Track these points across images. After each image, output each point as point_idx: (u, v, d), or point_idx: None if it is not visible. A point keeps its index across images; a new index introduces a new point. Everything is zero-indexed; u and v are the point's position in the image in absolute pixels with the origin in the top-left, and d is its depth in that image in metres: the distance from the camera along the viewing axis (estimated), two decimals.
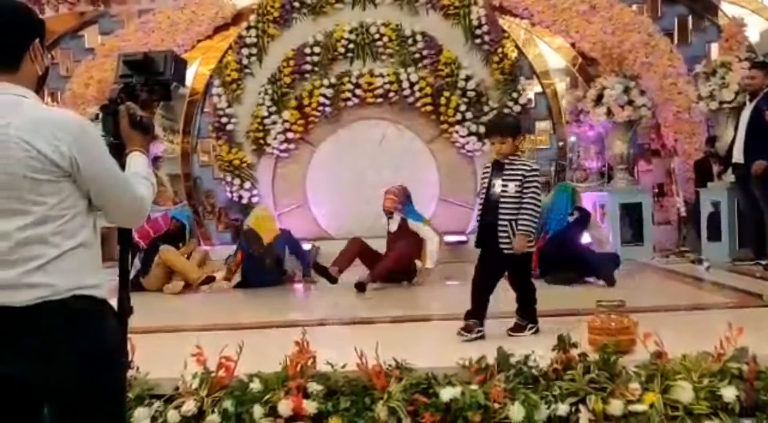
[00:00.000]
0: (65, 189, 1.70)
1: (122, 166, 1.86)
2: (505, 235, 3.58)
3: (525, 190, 3.58)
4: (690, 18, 8.66)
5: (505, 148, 3.64)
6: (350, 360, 2.91)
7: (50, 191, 1.67)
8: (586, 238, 6.27)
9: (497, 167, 3.69)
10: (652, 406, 2.69)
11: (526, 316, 3.75)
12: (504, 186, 3.60)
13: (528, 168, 3.63)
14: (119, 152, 1.89)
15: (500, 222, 3.59)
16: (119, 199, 1.78)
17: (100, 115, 1.98)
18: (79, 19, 8.88)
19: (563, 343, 2.89)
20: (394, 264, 6.01)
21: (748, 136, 6.29)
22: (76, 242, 1.71)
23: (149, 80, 2.00)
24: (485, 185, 3.69)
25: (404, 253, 6.06)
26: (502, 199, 3.60)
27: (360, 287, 5.80)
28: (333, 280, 5.98)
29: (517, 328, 3.70)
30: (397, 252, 6.08)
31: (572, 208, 6.21)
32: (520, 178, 3.59)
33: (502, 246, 3.60)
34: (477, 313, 3.68)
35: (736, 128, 6.55)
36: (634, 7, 8.47)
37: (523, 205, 3.58)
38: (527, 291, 3.76)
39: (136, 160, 1.91)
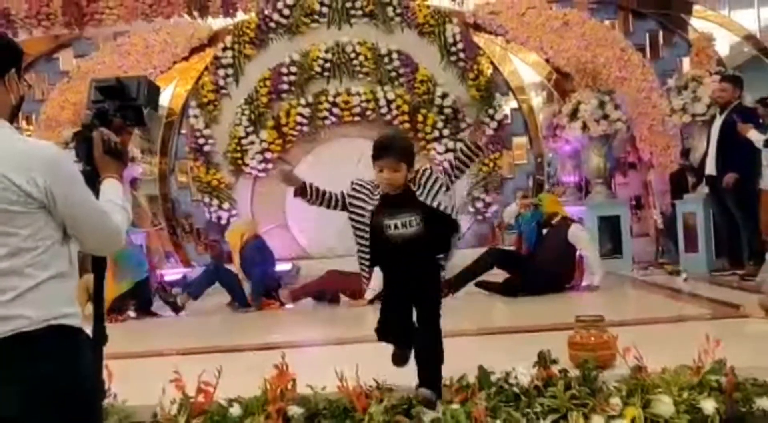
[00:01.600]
0: (40, 220, 1.68)
1: (96, 193, 1.84)
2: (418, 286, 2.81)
3: (432, 226, 2.77)
4: (661, 33, 8.80)
5: (399, 178, 2.74)
6: (330, 382, 2.89)
7: (24, 223, 1.66)
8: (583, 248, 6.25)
9: (388, 204, 2.80)
10: (633, 420, 2.69)
11: (433, 383, 2.80)
12: (404, 227, 2.73)
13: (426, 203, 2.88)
14: (92, 179, 1.87)
15: (411, 274, 2.78)
16: (95, 229, 1.76)
17: (72, 142, 1.97)
18: (53, 42, 8.82)
19: (544, 360, 2.90)
20: (317, 288, 6.32)
21: (720, 148, 6.39)
22: (51, 273, 1.70)
23: (122, 106, 1.98)
24: (380, 226, 2.78)
25: (331, 281, 6.27)
26: (405, 244, 2.74)
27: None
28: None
29: (428, 404, 2.74)
30: (325, 279, 6.33)
31: (540, 217, 6.28)
32: (418, 214, 2.75)
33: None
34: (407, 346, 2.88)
35: (707, 141, 6.65)
36: (607, 22, 8.60)
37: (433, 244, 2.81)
38: (435, 344, 2.83)
39: (111, 188, 1.89)
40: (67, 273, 1.75)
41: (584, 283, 6.22)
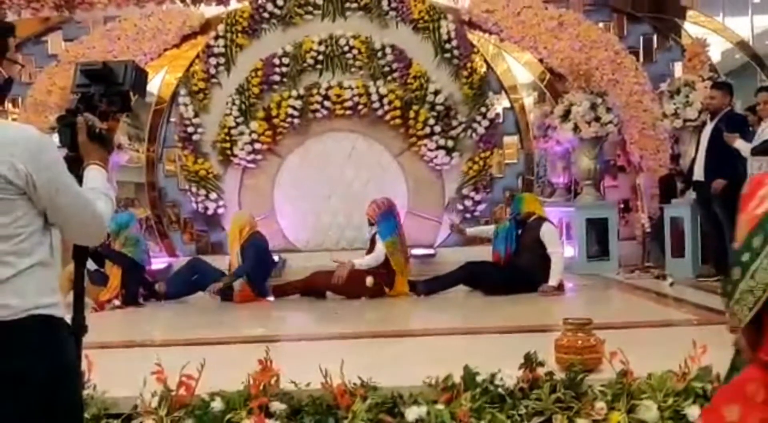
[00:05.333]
0: (20, 207, 1.64)
1: (79, 180, 1.79)
2: None
3: None
4: (654, 37, 8.80)
5: None
6: (314, 378, 2.85)
7: (4, 209, 1.62)
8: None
9: None
10: None
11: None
12: None
13: None
14: (76, 165, 1.82)
15: None
16: (77, 217, 1.72)
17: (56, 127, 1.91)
18: (42, 25, 8.69)
19: (530, 362, 2.88)
20: (302, 287, 6.27)
21: (709, 154, 6.39)
22: (33, 261, 1.66)
23: (108, 91, 1.93)
24: None
25: (316, 281, 6.21)
26: None
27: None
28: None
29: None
30: (310, 279, 6.25)
31: (516, 213, 6.30)
32: None
33: None
34: None
35: (697, 147, 6.65)
36: (601, 24, 8.59)
37: None
38: None
39: (95, 175, 1.84)
40: (49, 261, 1.71)
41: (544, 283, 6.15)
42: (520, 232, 6.33)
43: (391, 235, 6.22)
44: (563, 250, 6.56)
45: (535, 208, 6.46)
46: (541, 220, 6.30)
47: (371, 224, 6.35)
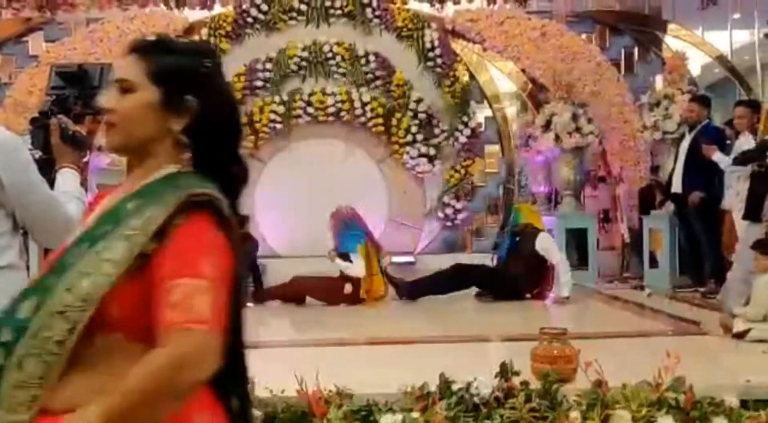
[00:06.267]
0: None
1: (51, 183, 1.77)
2: None
3: None
4: (636, 49, 8.89)
5: None
6: (290, 385, 2.84)
7: None
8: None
9: None
10: None
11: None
12: None
13: None
14: (49, 168, 1.80)
15: None
16: (47, 218, 1.70)
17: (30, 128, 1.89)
18: (23, 25, 8.61)
19: (505, 371, 2.88)
20: (281, 293, 6.27)
21: (686, 167, 6.46)
22: (1, 264, 1.63)
23: (83, 93, 1.91)
24: None
25: (296, 287, 6.22)
26: None
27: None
28: None
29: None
30: (288, 285, 6.27)
31: (514, 225, 6.34)
32: None
33: None
34: None
35: (675, 159, 6.72)
36: (584, 36, 8.66)
37: None
38: None
39: (67, 178, 1.82)
40: (19, 265, 1.69)
41: (552, 294, 6.22)
42: (517, 239, 6.37)
43: (359, 244, 6.24)
44: (561, 256, 6.53)
45: (533, 220, 6.50)
46: (537, 230, 6.32)
47: None
